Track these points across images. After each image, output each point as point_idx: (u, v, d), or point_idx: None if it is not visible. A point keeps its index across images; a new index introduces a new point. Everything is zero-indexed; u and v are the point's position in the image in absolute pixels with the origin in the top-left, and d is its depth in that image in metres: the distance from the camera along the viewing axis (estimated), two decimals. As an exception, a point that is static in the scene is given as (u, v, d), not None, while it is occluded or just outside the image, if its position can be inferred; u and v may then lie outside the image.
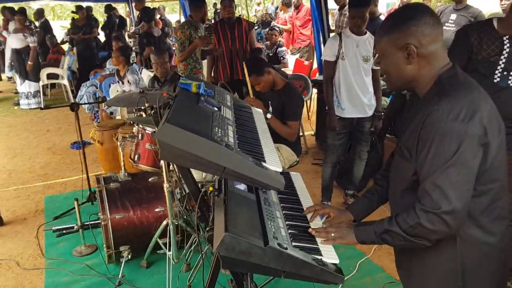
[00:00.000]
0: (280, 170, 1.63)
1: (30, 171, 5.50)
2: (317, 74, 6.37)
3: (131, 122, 3.95)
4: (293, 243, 1.60)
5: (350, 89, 3.73)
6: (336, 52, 3.69)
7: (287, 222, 1.75)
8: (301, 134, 5.21)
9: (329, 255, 1.59)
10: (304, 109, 6.60)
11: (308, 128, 6.27)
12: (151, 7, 10.51)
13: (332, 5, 8.69)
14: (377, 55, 1.57)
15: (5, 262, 3.53)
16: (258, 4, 21.49)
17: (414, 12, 1.46)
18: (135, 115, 3.63)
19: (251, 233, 1.49)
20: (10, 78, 11.33)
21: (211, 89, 2.08)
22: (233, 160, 1.50)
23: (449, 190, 1.37)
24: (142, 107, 3.01)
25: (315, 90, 5.94)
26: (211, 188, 1.81)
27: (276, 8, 14.98)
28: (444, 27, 5.77)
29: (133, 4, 10.49)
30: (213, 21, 10.61)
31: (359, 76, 3.71)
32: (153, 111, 2.79)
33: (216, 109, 1.88)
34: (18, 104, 8.85)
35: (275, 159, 1.70)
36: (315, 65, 7.29)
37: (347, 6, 5.51)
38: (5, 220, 4.17)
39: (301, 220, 1.81)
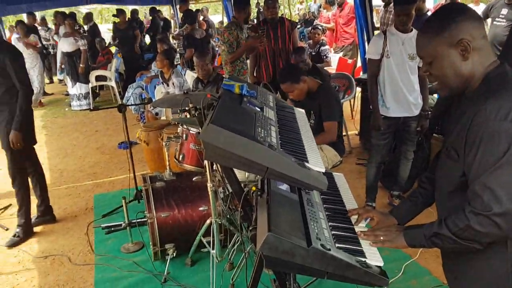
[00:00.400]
0: (323, 170, 1.62)
1: (80, 170, 5.71)
2: (361, 73, 6.28)
3: (176, 123, 4.03)
4: (337, 245, 1.58)
5: (395, 87, 3.66)
6: (381, 50, 3.62)
7: (330, 223, 1.73)
8: (344, 133, 5.14)
9: (374, 257, 1.57)
10: (348, 108, 6.57)
11: (352, 128, 6.20)
12: (194, 9, 10.67)
13: (376, 1, 8.55)
14: (422, 62, 1.53)
15: (58, 258, 3.69)
16: (301, 3, 21.41)
17: (457, 9, 1.47)
18: (180, 116, 3.70)
19: (294, 234, 1.49)
20: (61, 81, 11.80)
21: (254, 89, 2.09)
22: (275, 160, 1.50)
23: (500, 191, 1.33)
24: (186, 108, 3.06)
25: (359, 89, 5.86)
26: (254, 188, 1.83)
27: (319, 7, 14.88)
28: (495, 22, 5.55)
29: (177, 6, 10.70)
30: (255, 21, 10.67)
31: (405, 74, 3.63)
32: (197, 112, 2.83)
33: (258, 109, 1.89)
34: (69, 105, 9.20)
35: (318, 159, 1.69)
36: (359, 63, 7.19)
37: (392, 2, 5.41)
38: (57, 217, 4.36)
39: (344, 221, 1.79)
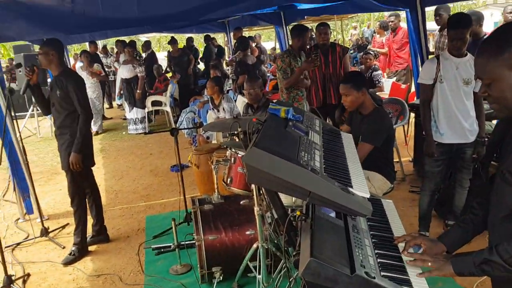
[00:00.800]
0: (368, 196, 1.59)
1: (134, 192, 5.89)
2: (415, 98, 6.14)
3: (225, 146, 4.09)
4: (382, 273, 1.54)
5: (449, 113, 3.55)
6: (434, 75, 3.54)
7: (376, 251, 1.69)
8: (397, 160, 5.02)
9: (420, 287, 1.50)
10: (401, 134, 6.41)
11: (405, 154, 6.03)
12: (247, 36, 10.91)
13: (431, 25, 8.38)
14: (479, 83, 1.47)
15: (109, 277, 3.79)
16: (354, 28, 21.41)
17: None
18: (229, 139, 3.75)
19: (338, 260, 1.46)
20: (119, 105, 12.32)
21: (300, 114, 2.10)
22: (318, 184, 1.49)
23: None
24: (235, 132, 3.10)
25: (412, 115, 5.73)
26: (298, 213, 1.81)
27: (373, 32, 14.78)
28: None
29: (231, 34, 10.98)
30: (308, 47, 10.72)
31: (459, 100, 3.52)
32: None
33: (303, 133, 1.89)
34: (126, 129, 9.55)
35: (362, 184, 1.66)
36: (413, 89, 7.04)
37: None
38: (111, 237, 4.50)
39: (391, 249, 1.74)
